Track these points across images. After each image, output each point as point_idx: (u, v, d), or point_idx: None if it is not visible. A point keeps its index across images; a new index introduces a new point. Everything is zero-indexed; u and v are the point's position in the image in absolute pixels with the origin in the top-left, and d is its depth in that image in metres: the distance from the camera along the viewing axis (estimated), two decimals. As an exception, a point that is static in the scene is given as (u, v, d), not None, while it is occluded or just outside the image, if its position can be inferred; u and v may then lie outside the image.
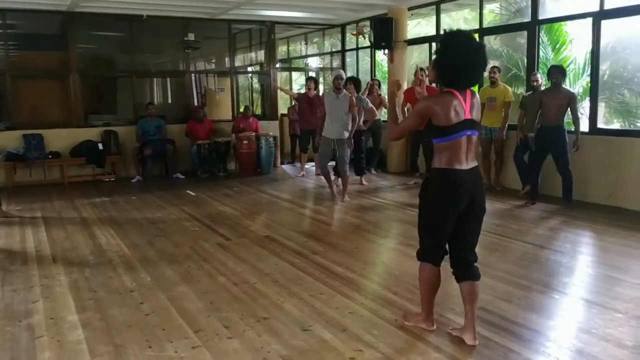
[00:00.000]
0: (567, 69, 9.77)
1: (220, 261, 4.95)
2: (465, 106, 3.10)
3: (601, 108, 9.87)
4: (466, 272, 3.27)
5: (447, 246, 3.27)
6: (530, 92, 7.43)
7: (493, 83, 7.76)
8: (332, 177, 7.87)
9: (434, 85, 6.85)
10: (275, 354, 3.13)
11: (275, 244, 5.50)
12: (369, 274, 4.56)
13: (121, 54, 11.19)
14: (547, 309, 3.80)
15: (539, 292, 4.10)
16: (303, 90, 11.15)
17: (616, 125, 9.71)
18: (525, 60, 8.40)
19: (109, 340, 3.35)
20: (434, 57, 3.22)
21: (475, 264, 3.29)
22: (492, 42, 10.43)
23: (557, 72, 6.65)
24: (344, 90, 7.39)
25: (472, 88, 3.21)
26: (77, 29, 10.05)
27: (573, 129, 6.76)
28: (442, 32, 3.30)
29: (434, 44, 9.67)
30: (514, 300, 3.91)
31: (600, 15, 6.97)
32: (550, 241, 5.52)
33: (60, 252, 5.34)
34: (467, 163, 3.15)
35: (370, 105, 8.87)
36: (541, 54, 9.18)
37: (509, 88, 7.72)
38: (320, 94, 9.88)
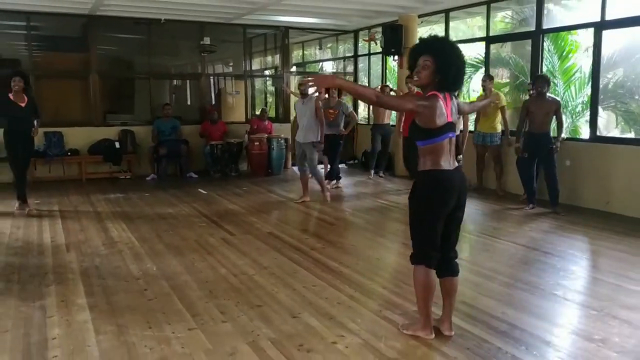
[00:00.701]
0: (573, 78, 9.97)
1: (223, 254, 5.23)
2: (447, 109, 3.23)
3: (607, 115, 10.02)
4: (447, 268, 3.42)
5: (438, 247, 3.31)
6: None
7: (486, 91, 7.98)
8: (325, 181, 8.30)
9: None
10: (264, 337, 3.39)
11: (277, 240, 5.77)
12: (362, 269, 4.79)
13: (139, 56, 11.56)
14: (526, 305, 3.99)
15: (520, 289, 4.30)
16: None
17: (615, 132, 9.81)
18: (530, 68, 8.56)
19: (113, 320, 3.64)
20: (425, 61, 3.19)
21: (456, 261, 3.46)
22: (499, 50, 10.60)
23: (542, 82, 6.89)
24: (309, 95, 7.55)
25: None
26: (98, 31, 10.46)
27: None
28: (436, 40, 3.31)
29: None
30: (495, 296, 4.13)
31: (601, 26, 7.13)
32: (541, 243, 5.69)
33: (74, 242, 5.67)
34: (452, 163, 3.28)
35: (351, 110, 9.19)
36: (547, 62, 9.35)
37: (501, 94, 7.86)
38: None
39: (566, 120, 9.17)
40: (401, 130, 8.23)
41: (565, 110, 9.45)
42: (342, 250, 5.42)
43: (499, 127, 8.06)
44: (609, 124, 10.14)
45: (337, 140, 8.76)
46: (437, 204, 3.24)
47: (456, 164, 3.35)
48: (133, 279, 4.52)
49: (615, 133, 9.71)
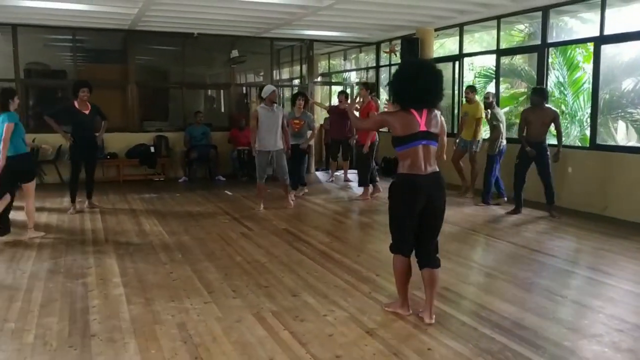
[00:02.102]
0: (581, 88, 10.36)
1: (240, 246, 5.90)
2: (420, 120, 3.63)
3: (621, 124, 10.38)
4: (427, 260, 3.82)
5: (412, 239, 3.77)
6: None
7: (469, 101, 8.65)
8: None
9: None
10: (267, 310, 4.03)
11: (290, 235, 6.42)
12: (361, 260, 5.39)
13: (174, 67, 12.42)
14: (503, 293, 4.52)
15: (500, 279, 4.84)
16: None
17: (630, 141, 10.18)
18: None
19: (143, 295, 4.33)
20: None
21: (437, 255, 3.84)
22: (512, 61, 11.07)
23: (536, 95, 7.36)
24: (276, 104, 7.72)
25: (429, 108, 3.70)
26: (136, 44, 11.34)
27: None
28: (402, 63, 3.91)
29: (457, 63, 10.43)
30: (477, 285, 4.68)
31: (600, 40, 7.58)
32: (532, 242, 6.17)
33: (111, 234, 6.43)
34: (426, 169, 3.64)
35: (314, 124, 9.25)
36: (557, 74, 9.80)
37: (482, 106, 8.48)
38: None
39: (574, 129, 9.60)
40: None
41: (574, 119, 9.86)
42: (346, 245, 6.03)
43: (479, 135, 8.65)
44: (620, 132, 10.52)
45: (302, 151, 8.87)
46: (404, 203, 3.69)
47: (432, 169, 3.68)
48: (161, 264, 5.23)
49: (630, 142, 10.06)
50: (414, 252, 3.86)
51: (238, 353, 3.33)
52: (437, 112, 3.80)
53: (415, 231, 3.77)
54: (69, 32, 10.69)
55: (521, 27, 11.29)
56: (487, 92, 8.51)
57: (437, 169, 3.74)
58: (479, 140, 8.63)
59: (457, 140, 8.83)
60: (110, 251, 5.67)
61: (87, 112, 7.68)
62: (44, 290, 4.44)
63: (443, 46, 11.81)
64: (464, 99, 9.17)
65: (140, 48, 11.68)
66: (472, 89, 8.77)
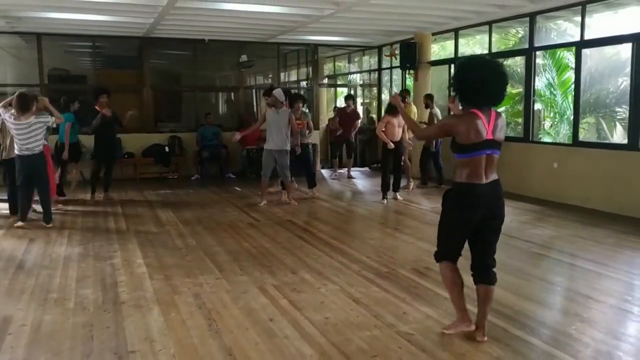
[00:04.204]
0: (569, 89, 10.95)
1: (248, 234, 6.57)
2: (488, 127, 3.34)
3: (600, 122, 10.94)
4: (483, 275, 3.56)
5: (462, 249, 3.55)
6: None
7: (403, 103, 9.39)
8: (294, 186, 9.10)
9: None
10: (269, 284, 4.70)
11: (293, 225, 7.08)
12: (356, 245, 6.04)
13: (186, 71, 13.14)
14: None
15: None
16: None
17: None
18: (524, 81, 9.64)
19: (162, 273, 5.02)
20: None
21: (494, 270, 3.57)
22: (508, 63, 11.65)
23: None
24: (283, 107, 8.18)
25: (496, 109, 3.46)
26: (151, 50, 12.08)
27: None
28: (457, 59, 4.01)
29: (452, 65, 11.03)
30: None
31: (581, 45, 8.17)
32: (515, 231, 6.77)
33: (132, 224, 7.14)
34: (486, 178, 3.39)
35: (310, 123, 9.54)
36: (548, 75, 10.38)
37: (414, 109, 9.76)
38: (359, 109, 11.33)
39: (563, 128, 10.19)
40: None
41: (563, 118, 10.45)
42: (344, 233, 6.69)
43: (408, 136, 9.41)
44: (607, 130, 11.09)
45: (306, 149, 9.19)
46: (460, 214, 3.45)
47: (492, 178, 3.42)
48: (177, 248, 5.92)
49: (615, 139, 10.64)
50: (470, 265, 3.65)
51: (244, 315, 3.99)
52: (503, 115, 3.55)
53: (472, 244, 3.58)
54: (88, 39, 11.48)
55: (514, 30, 11.87)
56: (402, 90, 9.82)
57: (497, 177, 3.48)
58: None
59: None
60: (132, 239, 6.36)
61: (109, 115, 8.48)
62: (77, 270, 5.14)
63: (444, 47, 12.43)
64: None
65: (155, 54, 12.44)
66: (407, 91, 10.00)
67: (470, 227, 3.45)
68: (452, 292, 3.63)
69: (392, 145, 8.35)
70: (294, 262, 5.39)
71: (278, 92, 8.29)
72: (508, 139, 8.62)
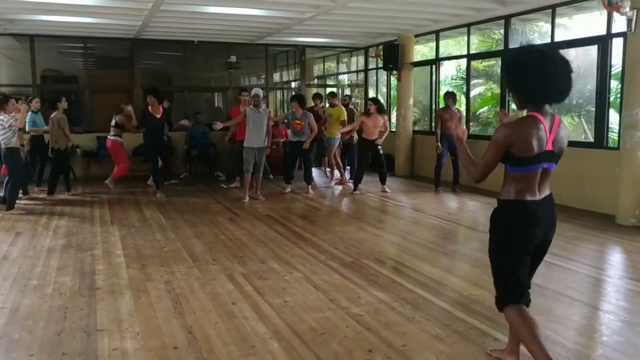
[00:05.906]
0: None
1: (226, 228, 6.87)
2: (549, 135, 2.82)
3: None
4: None
5: (528, 284, 3.03)
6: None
7: (332, 105, 10.50)
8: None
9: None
10: (238, 272, 5.00)
11: (271, 220, 7.38)
12: (327, 238, 6.33)
13: (176, 72, 13.46)
14: (438, 261, 5.45)
15: (443, 253, 5.77)
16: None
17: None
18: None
19: (139, 262, 5.32)
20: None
21: (529, 290, 3.05)
22: (489, 64, 11.97)
23: (448, 97, 9.25)
24: (263, 106, 8.64)
25: (561, 117, 2.96)
26: (141, 51, 12.39)
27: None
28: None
29: (434, 66, 11.35)
30: (418, 255, 5.61)
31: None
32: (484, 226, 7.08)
33: (116, 218, 7.44)
34: (540, 193, 2.93)
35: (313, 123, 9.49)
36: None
37: (344, 110, 10.41)
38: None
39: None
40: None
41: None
42: (317, 227, 6.99)
43: (337, 134, 10.14)
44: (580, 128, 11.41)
45: (304, 150, 9.38)
46: (519, 242, 2.91)
47: (545, 193, 2.97)
48: (156, 241, 6.22)
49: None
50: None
51: (209, 300, 4.29)
52: (565, 122, 3.03)
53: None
54: (80, 41, 11.79)
55: (494, 32, 12.16)
56: (345, 95, 10.83)
57: (550, 192, 3.02)
58: (337, 138, 10.17)
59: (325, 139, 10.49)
60: (114, 231, 6.67)
61: (158, 116, 9.00)
62: (59, 259, 5.44)
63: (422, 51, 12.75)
64: (327, 104, 11.21)
65: (145, 55, 12.75)
66: (333, 94, 10.77)
67: (530, 250, 2.94)
68: (530, 336, 2.84)
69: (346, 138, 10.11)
70: (265, 252, 5.69)
71: (258, 91, 8.64)
72: (481, 137, 8.93)
